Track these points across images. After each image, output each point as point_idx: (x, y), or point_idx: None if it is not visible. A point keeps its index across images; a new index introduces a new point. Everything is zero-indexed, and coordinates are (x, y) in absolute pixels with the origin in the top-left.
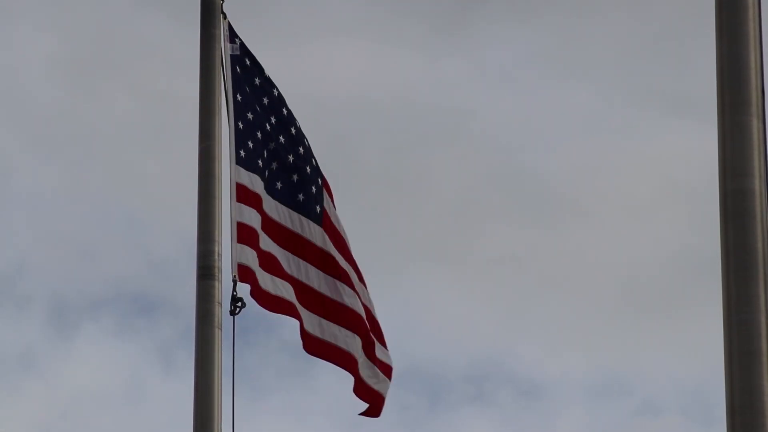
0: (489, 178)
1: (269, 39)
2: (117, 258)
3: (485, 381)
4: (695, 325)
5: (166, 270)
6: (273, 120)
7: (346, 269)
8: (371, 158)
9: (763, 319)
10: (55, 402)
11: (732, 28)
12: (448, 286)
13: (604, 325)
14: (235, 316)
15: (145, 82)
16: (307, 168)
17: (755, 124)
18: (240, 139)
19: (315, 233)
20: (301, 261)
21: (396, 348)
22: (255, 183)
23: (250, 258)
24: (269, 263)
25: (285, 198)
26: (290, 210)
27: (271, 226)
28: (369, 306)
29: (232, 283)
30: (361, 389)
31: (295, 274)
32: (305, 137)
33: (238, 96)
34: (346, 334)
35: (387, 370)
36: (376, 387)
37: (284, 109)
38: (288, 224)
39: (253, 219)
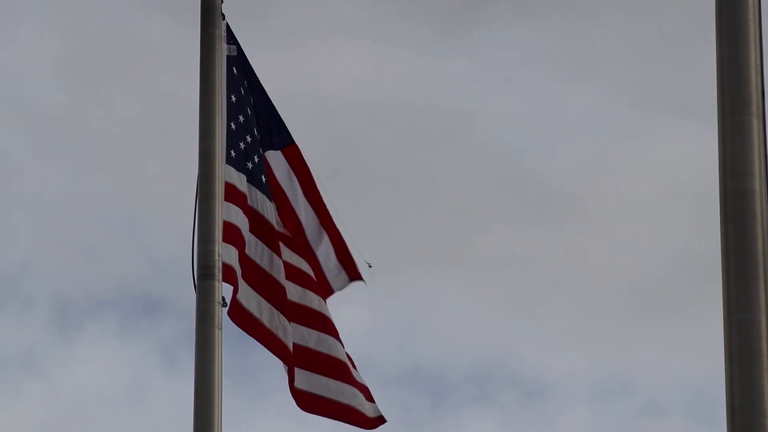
0: (492, 179)
1: (272, 40)
2: (120, 259)
3: (488, 381)
4: (698, 326)
5: (168, 271)
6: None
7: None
8: (374, 159)
9: (763, 319)
10: (58, 402)
11: (732, 28)
12: (451, 287)
13: (607, 325)
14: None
15: (148, 83)
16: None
17: (755, 124)
18: (232, 139)
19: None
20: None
21: (399, 348)
22: (243, 183)
23: (233, 258)
24: (251, 272)
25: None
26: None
27: (255, 218)
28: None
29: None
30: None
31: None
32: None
33: (232, 97)
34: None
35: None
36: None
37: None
38: (263, 213)
39: (239, 219)
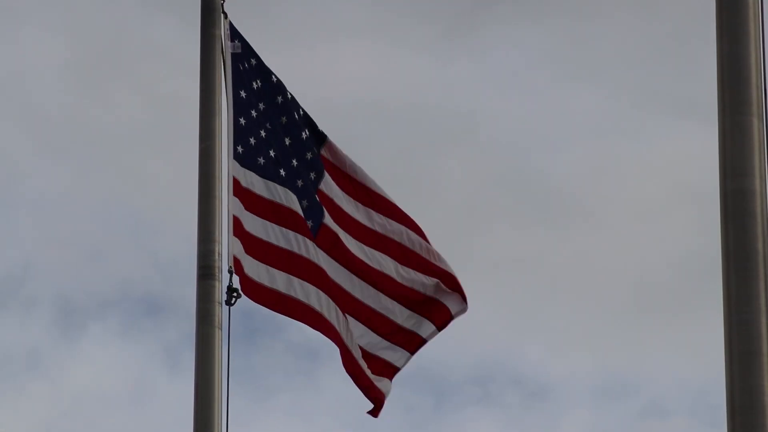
0: (495, 179)
1: (275, 41)
2: (123, 259)
3: (490, 382)
4: (701, 327)
5: (172, 271)
6: (284, 120)
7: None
8: (379, 160)
9: (763, 319)
10: (60, 402)
11: (732, 28)
12: None
13: (609, 326)
14: (231, 308)
15: (152, 85)
16: (312, 174)
17: (755, 124)
18: (241, 135)
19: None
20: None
21: None
22: (248, 179)
23: (238, 250)
24: (257, 248)
25: (285, 182)
26: (288, 191)
27: (269, 207)
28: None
29: (228, 274)
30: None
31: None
32: (316, 144)
33: (241, 93)
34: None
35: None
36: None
37: (296, 113)
38: (283, 202)
39: (247, 219)
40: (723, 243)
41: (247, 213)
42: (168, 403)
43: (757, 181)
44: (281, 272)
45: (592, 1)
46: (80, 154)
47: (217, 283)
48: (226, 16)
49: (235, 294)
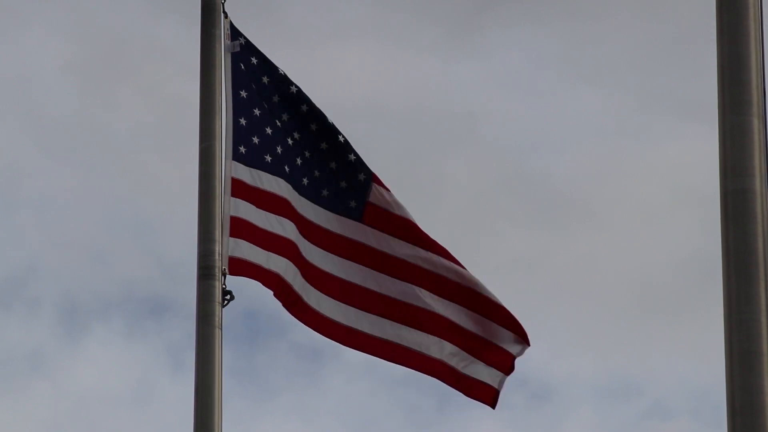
0: (500, 181)
1: (279, 42)
2: (127, 260)
3: None
4: (705, 327)
5: (176, 272)
6: (285, 117)
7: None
8: (382, 161)
9: (763, 319)
10: (64, 403)
11: (732, 28)
12: None
13: (614, 327)
14: (225, 309)
15: (157, 86)
16: (333, 163)
17: (755, 124)
18: (242, 135)
19: (347, 227)
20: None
21: None
22: (257, 178)
23: (243, 252)
24: (274, 244)
25: (309, 193)
26: (314, 205)
27: (301, 222)
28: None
29: (221, 276)
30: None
31: (318, 264)
32: (332, 133)
33: (242, 93)
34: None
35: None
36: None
37: (304, 106)
38: (313, 219)
39: (251, 215)
40: (723, 243)
41: (260, 211)
42: (171, 404)
43: (757, 181)
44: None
45: (597, 3)
46: (84, 155)
47: (217, 283)
48: (226, 16)
49: (227, 297)
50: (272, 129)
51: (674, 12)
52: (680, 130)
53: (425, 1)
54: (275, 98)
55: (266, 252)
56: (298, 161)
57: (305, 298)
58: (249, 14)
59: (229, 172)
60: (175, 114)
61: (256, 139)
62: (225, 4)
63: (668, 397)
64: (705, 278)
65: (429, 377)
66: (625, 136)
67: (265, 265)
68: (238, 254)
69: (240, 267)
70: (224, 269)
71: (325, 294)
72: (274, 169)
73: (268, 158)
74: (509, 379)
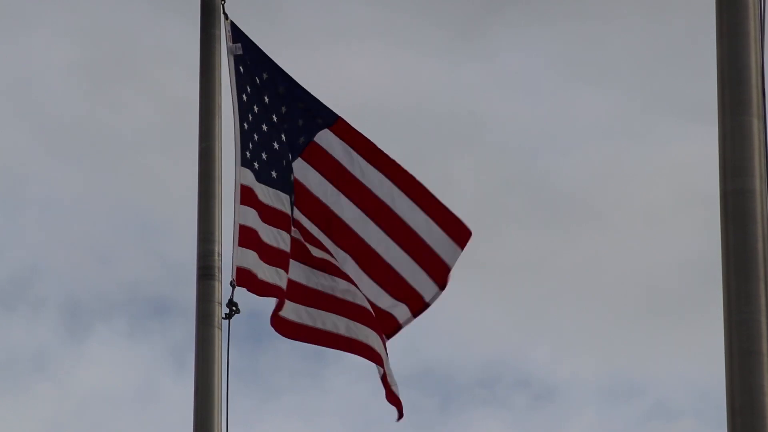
0: (505, 182)
1: (284, 43)
2: (131, 261)
3: (497, 383)
4: (708, 328)
5: (179, 273)
6: (275, 118)
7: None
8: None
9: (763, 319)
10: (67, 403)
11: (732, 28)
12: (462, 289)
13: (617, 328)
14: (230, 321)
15: (162, 88)
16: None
17: (755, 124)
18: (245, 139)
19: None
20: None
21: (409, 350)
22: (250, 182)
23: (250, 262)
24: (273, 257)
25: (278, 185)
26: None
27: (268, 212)
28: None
29: (230, 287)
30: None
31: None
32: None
33: (243, 96)
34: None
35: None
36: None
37: (283, 107)
38: (277, 206)
39: (257, 222)
40: (723, 243)
41: (263, 224)
42: (174, 404)
43: (757, 182)
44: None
45: (602, 4)
46: (89, 157)
47: (216, 283)
48: (227, 17)
49: (234, 308)
50: (258, 135)
51: (678, 13)
52: (685, 131)
53: (431, 3)
54: (265, 99)
55: (268, 265)
56: (284, 163)
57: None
58: (253, 15)
59: (238, 178)
60: (180, 115)
61: (250, 144)
62: (225, 5)
63: (671, 397)
64: (708, 279)
65: (433, 377)
66: (629, 137)
67: (270, 280)
68: (245, 265)
69: (246, 279)
70: (232, 281)
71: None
72: (259, 176)
73: (256, 165)
74: (513, 379)
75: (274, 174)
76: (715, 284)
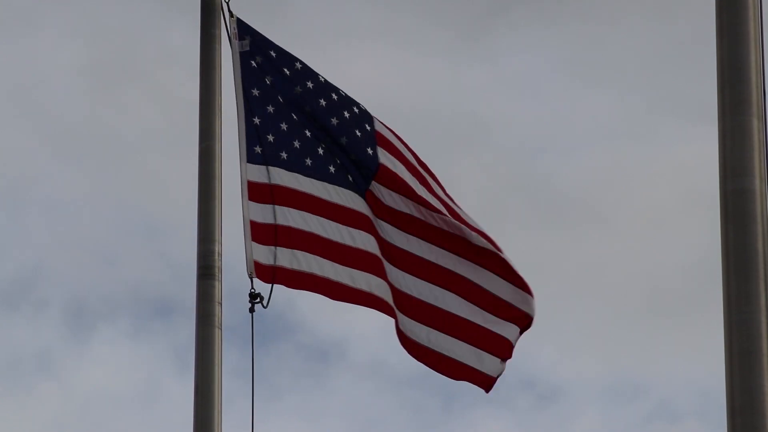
0: (509, 184)
1: (289, 44)
2: (136, 262)
3: (501, 383)
4: (712, 330)
5: (183, 274)
6: (308, 109)
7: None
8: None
9: (763, 319)
10: (71, 403)
11: (732, 28)
12: None
13: (620, 329)
14: (253, 314)
15: (167, 89)
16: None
17: (755, 124)
18: (256, 134)
19: (357, 203)
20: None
21: None
22: (276, 176)
23: (262, 256)
24: (300, 241)
25: (336, 179)
26: (342, 188)
27: (312, 203)
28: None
29: (231, 286)
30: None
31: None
32: (352, 127)
33: (254, 91)
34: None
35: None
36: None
37: (322, 100)
38: (338, 201)
39: (267, 215)
40: (723, 243)
41: (284, 208)
42: (177, 404)
43: (757, 181)
44: (327, 261)
45: (605, 6)
46: (94, 158)
47: (216, 283)
48: (232, 15)
49: (257, 300)
50: (288, 124)
51: (682, 15)
52: (689, 132)
53: (435, 5)
54: (297, 89)
55: (290, 250)
56: (320, 151)
57: (319, 273)
58: (257, 16)
59: (244, 175)
60: (184, 116)
61: (271, 137)
62: (230, 4)
63: (675, 398)
64: (712, 280)
65: (436, 377)
66: (633, 138)
67: (288, 266)
68: (262, 259)
69: (263, 272)
70: (251, 273)
71: (336, 262)
72: (291, 166)
73: (284, 155)
74: (517, 380)
75: (309, 162)
76: (719, 285)
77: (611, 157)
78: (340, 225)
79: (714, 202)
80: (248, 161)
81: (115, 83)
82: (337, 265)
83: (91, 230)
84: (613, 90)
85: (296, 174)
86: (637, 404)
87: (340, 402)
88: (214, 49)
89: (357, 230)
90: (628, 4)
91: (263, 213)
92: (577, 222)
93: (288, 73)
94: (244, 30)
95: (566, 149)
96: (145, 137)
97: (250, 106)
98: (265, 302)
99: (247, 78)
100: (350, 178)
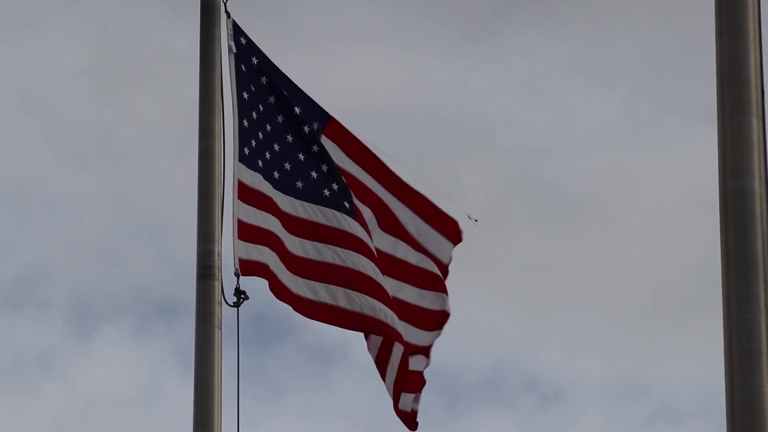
0: (513, 185)
1: (292, 45)
2: (139, 262)
3: (504, 384)
4: (715, 330)
5: (185, 274)
6: (280, 119)
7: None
8: (395, 166)
9: (763, 319)
10: (74, 404)
11: (732, 28)
12: (470, 291)
13: (624, 329)
14: (239, 309)
15: (170, 90)
16: (324, 166)
17: (755, 124)
18: (245, 136)
19: (352, 226)
20: (336, 248)
21: None
22: (256, 181)
23: (257, 253)
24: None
25: (308, 196)
26: (317, 206)
27: (292, 222)
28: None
29: (235, 278)
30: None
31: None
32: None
33: (244, 94)
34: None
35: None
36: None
37: (296, 108)
38: (315, 219)
39: (258, 218)
40: (723, 243)
41: (260, 212)
42: (180, 405)
43: (757, 181)
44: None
45: (609, 7)
46: (97, 159)
47: (216, 283)
48: (229, 16)
49: (242, 296)
50: (263, 133)
51: (686, 16)
52: (692, 133)
53: (440, 5)
54: (271, 100)
55: (267, 249)
56: (288, 165)
57: (286, 284)
58: (259, 18)
59: (236, 174)
60: (187, 117)
61: (254, 142)
62: (227, 4)
63: (678, 399)
64: (715, 281)
65: (437, 377)
66: (637, 139)
67: (267, 262)
68: (246, 256)
69: (250, 268)
70: (236, 270)
71: (298, 276)
72: (264, 173)
73: (260, 162)
74: (520, 381)
75: (276, 175)
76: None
77: (615, 158)
78: (303, 240)
79: (718, 203)
80: (240, 161)
81: (117, 84)
82: (298, 277)
83: (94, 231)
84: (617, 91)
85: (267, 182)
86: (640, 405)
87: (342, 402)
88: (214, 49)
89: (322, 244)
90: (632, 5)
91: (254, 214)
92: (580, 223)
93: (264, 82)
94: (238, 33)
95: (570, 150)
96: (148, 138)
97: (241, 108)
98: (246, 295)
99: (239, 80)
100: (326, 193)
